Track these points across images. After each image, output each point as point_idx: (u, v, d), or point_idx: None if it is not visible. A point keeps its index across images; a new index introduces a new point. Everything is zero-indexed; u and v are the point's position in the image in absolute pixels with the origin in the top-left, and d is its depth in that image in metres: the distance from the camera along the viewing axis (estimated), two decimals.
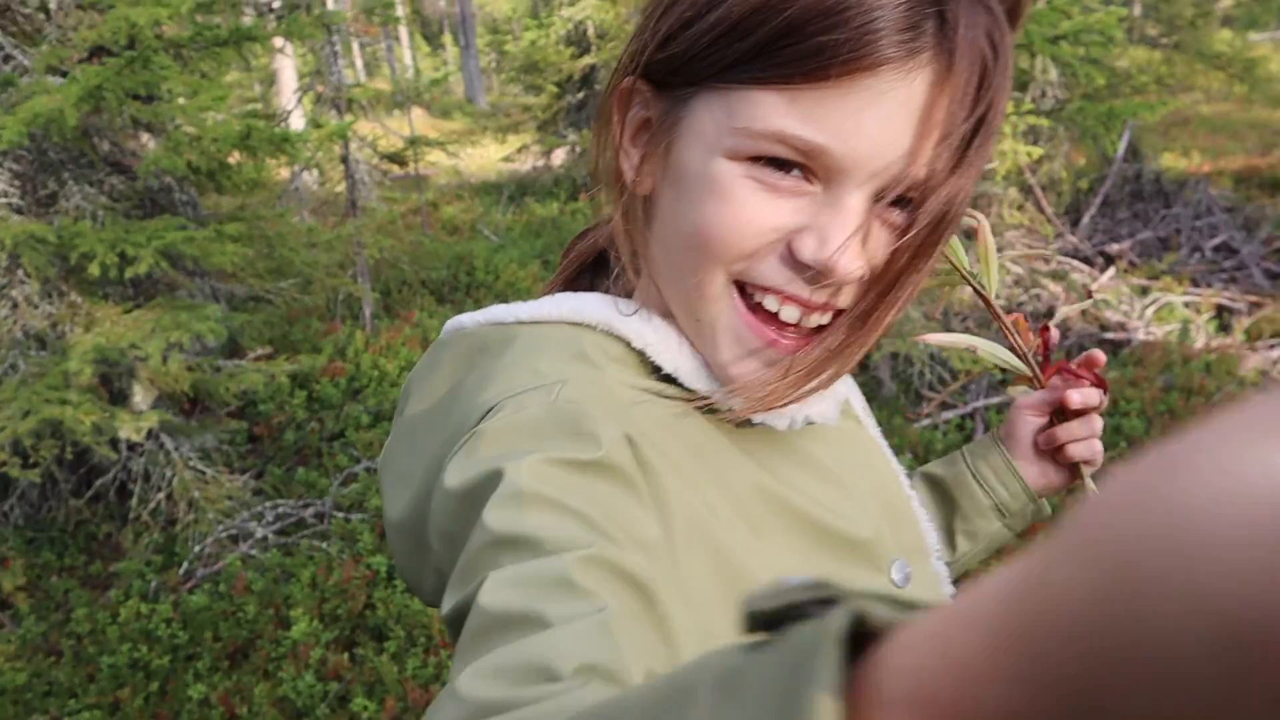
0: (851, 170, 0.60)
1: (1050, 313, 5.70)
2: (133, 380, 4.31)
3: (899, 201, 0.63)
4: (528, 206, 10.77)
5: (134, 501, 4.27)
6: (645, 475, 0.63)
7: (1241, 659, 0.16)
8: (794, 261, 0.63)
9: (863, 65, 0.56)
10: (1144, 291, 6.40)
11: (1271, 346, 5.50)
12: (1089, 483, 0.98)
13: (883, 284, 0.64)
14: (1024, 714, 0.20)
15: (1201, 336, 5.69)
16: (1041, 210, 6.70)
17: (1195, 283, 6.68)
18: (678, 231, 0.66)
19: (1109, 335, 5.70)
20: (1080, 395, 0.93)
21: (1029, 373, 0.96)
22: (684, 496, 0.65)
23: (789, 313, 0.65)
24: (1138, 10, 9.91)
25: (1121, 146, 7.42)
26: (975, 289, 0.95)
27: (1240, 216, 7.69)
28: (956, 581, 1.07)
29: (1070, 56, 4.84)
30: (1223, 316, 6.11)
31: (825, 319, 0.67)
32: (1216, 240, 7.25)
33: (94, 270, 3.77)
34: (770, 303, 0.66)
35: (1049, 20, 4.52)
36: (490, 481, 0.58)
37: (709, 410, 0.72)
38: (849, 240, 0.61)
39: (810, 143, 0.59)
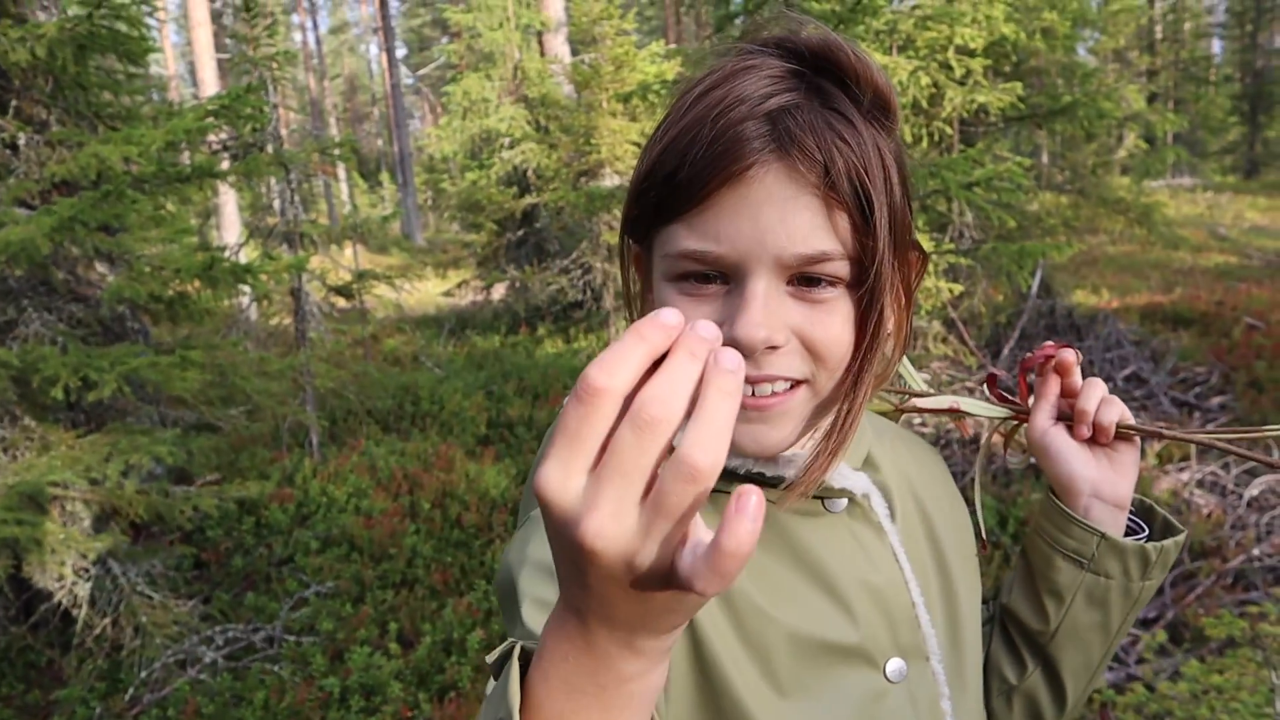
0: (744, 262, 0.73)
1: (976, 439, 5.99)
2: (84, 505, 4.31)
3: (809, 280, 0.77)
4: (469, 339, 10.97)
5: (79, 626, 4.21)
6: None
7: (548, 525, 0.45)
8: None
9: (719, 184, 0.72)
10: None
11: (1180, 469, 5.83)
12: (1147, 429, 0.94)
13: (840, 344, 0.78)
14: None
15: None
16: (964, 342, 7.08)
17: None
18: None
19: (1033, 461, 5.96)
20: (1069, 356, 0.95)
21: (1011, 411, 1.01)
22: (702, 633, 0.79)
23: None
24: (1045, 159, 10.69)
25: (1035, 283, 7.91)
26: (910, 397, 1.07)
27: (1147, 349, 8.19)
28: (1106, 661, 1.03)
29: (983, 201, 5.25)
30: None
31: (782, 387, 0.77)
32: (1127, 371, 7.70)
33: (56, 394, 3.84)
34: None
35: (962, 168, 4.93)
36: (512, 585, 0.79)
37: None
38: (750, 313, 0.73)
39: (704, 250, 0.73)
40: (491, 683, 0.58)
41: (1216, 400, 7.14)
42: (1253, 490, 5.49)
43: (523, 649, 0.54)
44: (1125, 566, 0.96)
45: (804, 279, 0.75)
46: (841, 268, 0.74)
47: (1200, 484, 5.72)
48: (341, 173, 31.97)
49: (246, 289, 5.17)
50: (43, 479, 3.78)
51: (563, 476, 0.43)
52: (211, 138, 6.53)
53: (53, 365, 3.86)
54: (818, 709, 0.82)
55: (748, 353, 0.73)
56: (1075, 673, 1.03)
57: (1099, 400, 0.95)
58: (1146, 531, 1.02)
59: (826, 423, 0.81)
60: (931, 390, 1.05)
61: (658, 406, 0.41)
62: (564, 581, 0.48)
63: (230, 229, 13.55)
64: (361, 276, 7.74)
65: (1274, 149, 26.76)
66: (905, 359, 1.02)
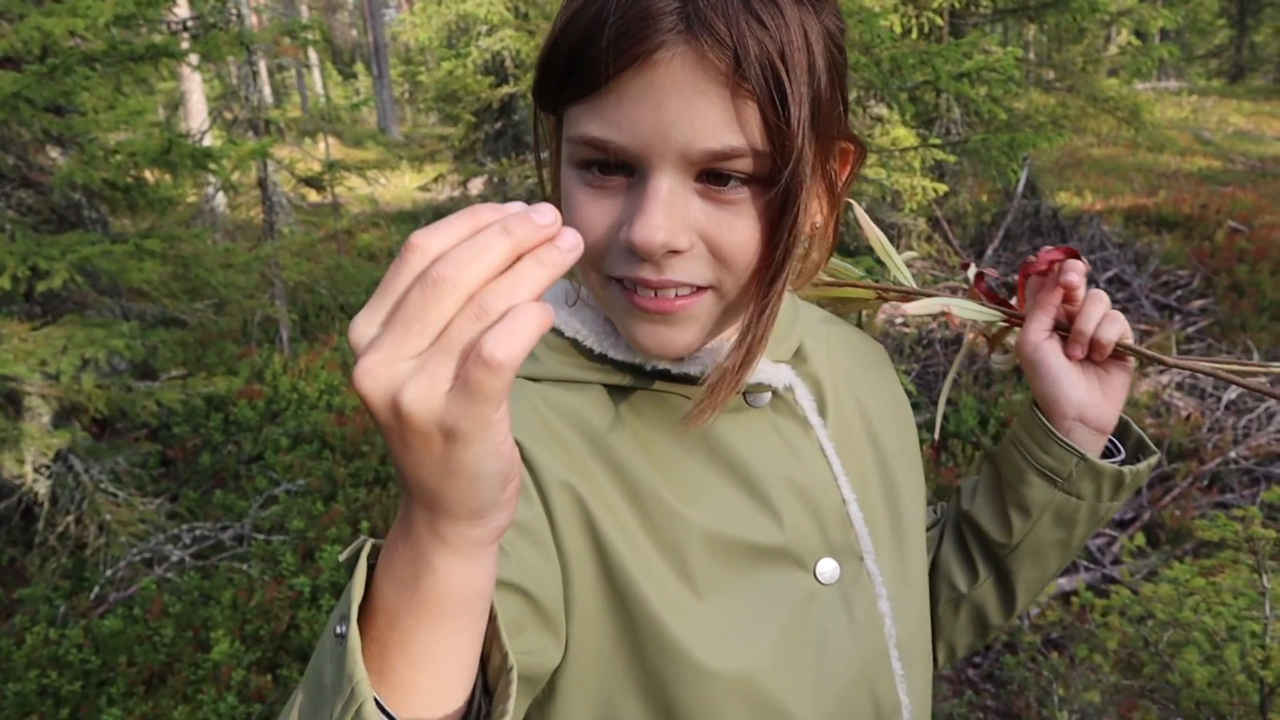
0: (646, 155, 0.67)
1: (959, 339, 5.92)
2: (41, 399, 4.18)
3: (718, 176, 0.69)
4: None
5: (40, 525, 4.12)
6: (561, 532, 0.75)
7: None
8: (625, 249, 0.71)
9: (621, 67, 0.65)
10: None
11: (1161, 372, 5.80)
12: (1147, 353, 0.90)
13: (746, 246, 0.71)
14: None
15: None
16: (949, 242, 6.97)
17: None
18: None
19: (1018, 364, 5.92)
20: (1074, 273, 0.89)
21: (1004, 315, 0.95)
22: (606, 538, 0.75)
23: (642, 293, 0.72)
24: (1032, 55, 10.40)
25: (1021, 183, 7.77)
26: (892, 291, 0.98)
27: (1130, 251, 8.11)
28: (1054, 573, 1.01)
29: (974, 94, 5.07)
30: None
31: (686, 291, 0.73)
32: (1109, 273, 7.63)
33: (4, 283, 3.66)
34: (627, 285, 0.73)
35: (953, 57, 4.74)
36: None
37: (646, 390, 0.82)
38: (649, 216, 0.67)
39: (605, 139, 0.67)
40: None
41: (1198, 304, 7.10)
42: (1230, 394, 5.48)
43: (374, 546, 0.55)
44: (1099, 488, 0.93)
45: (712, 175, 0.69)
46: (751, 164, 0.68)
47: (1179, 386, 5.70)
48: (315, 64, 31.03)
49: (210, 177, 4.95)
50: None
51: (365, 323, 0.44)
52: (171, 16, 6.21)
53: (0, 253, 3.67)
54: (739, 611, 0.78)
55: (645, 256, 0.69)
56: (1029, 585, 1.01)
57: (1100, 319, 0.91)
58: (1121, 453, 0.98)
59: (739, 324, 0.75)
60: (920, 290, 0.97)
61: (447, 266, 0.42)
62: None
63: (197, 119, 13.09)
64: (332, 167, 7.49)
65: (1260, 53, 26.31)
66: (898, 258, 0.97)
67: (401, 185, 14.36)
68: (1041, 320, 0.93)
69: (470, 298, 0.43)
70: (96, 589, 3.86)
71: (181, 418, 5.12)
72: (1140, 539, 2.75)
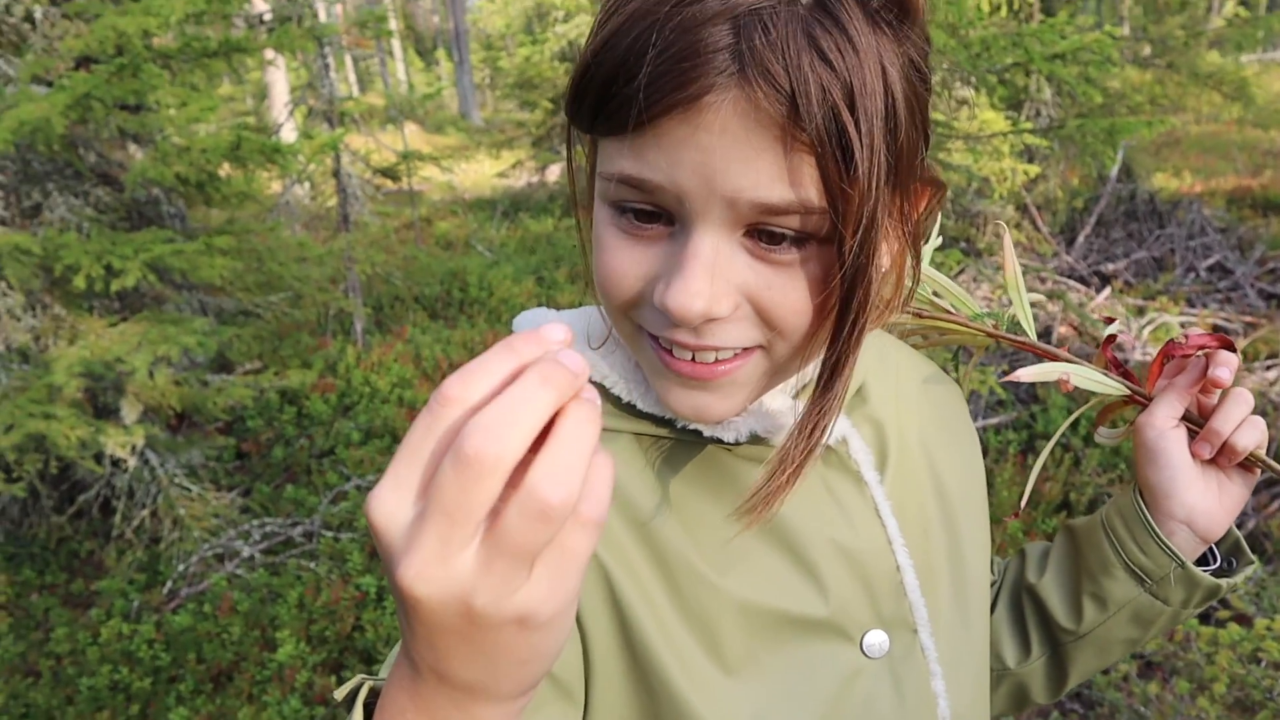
0: (688, 204, 0.59)
1: (1049, 332, 5.67)
2: (119, 395, 4.22)
3: (769, 234, 0.60)
4: (522, 222, 10.72)
5: (117, 518, 4.18)
6: (581, 600, 0.65)
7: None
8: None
9: (663, 111, 0.56)
10: (1140, 311, 6.37)
11: (1269, 367, 5.47)
12: (1272, 464, 0.82)
13: (807, 309, 0.62)
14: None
15: None
16: (1038, 229, 6.69)
17: (1190, 303, 6.65)
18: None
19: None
20: (1226, 368, 0.80)
21: (1128, 391, 0.86)
22: (629, 609, 0.69)
23: (679, 353, 0.64)
24: (1125, 30, 9.93)
25: (1116, 166, 7.42)
26: (1006, 338, 0.87)
27: (1234, 237, 7.69)
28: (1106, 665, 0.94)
29: (1068, 75, 4.81)
30: None
31: (728, 354, 0.64)
32: (1211, 260, 7.24)
33: (79, 283, 3.69)
34: (662, 344, 0.65)
35: (1048, 38, 4.50)
36: None
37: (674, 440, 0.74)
38: (687, 281, 0.59)
39: (642, 178, 0.59)
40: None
41: None
42: None
43: (372, 688, 0.53)
44: (1188, 597, 0.86)
45: (763, 232, 0.60)
46: (808, 221, 0.59)
47: None
48: (398, 53, 31.40)
49: (279, 170, 4.95)
50: (71, 369, 3.67)
51: (394, 500, 0.39)
52: (252, 8, 6.26)
53: (74, 252, 3.70)
54: (774, 688, 0.71)
55: (681, 324, 0.61)
56: (1084, 673, 0.94)
57: (1239, 423, 0.82)
58: (1216, 558, 0.90)
59: (786, 382, 0.69)
60: (1038, 346, 0.87)
61: (481, 437, 0.37)
62: (401, 626, 0.44)
63: (281, 110, 13.31)
64: (406, 157, 7.49)
65: None
66: (1026, 297, 0.87)
67: (480, 171, 14.41)
68: (1173, 406, 0.83)
69: (510, 473, 0.37)
70: (169, 584, 3.89)
71: (255, 411, 5.15)
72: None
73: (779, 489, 0.63)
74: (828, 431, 0.63)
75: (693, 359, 0.64)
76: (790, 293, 0.61)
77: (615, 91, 0.58)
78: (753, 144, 0.56)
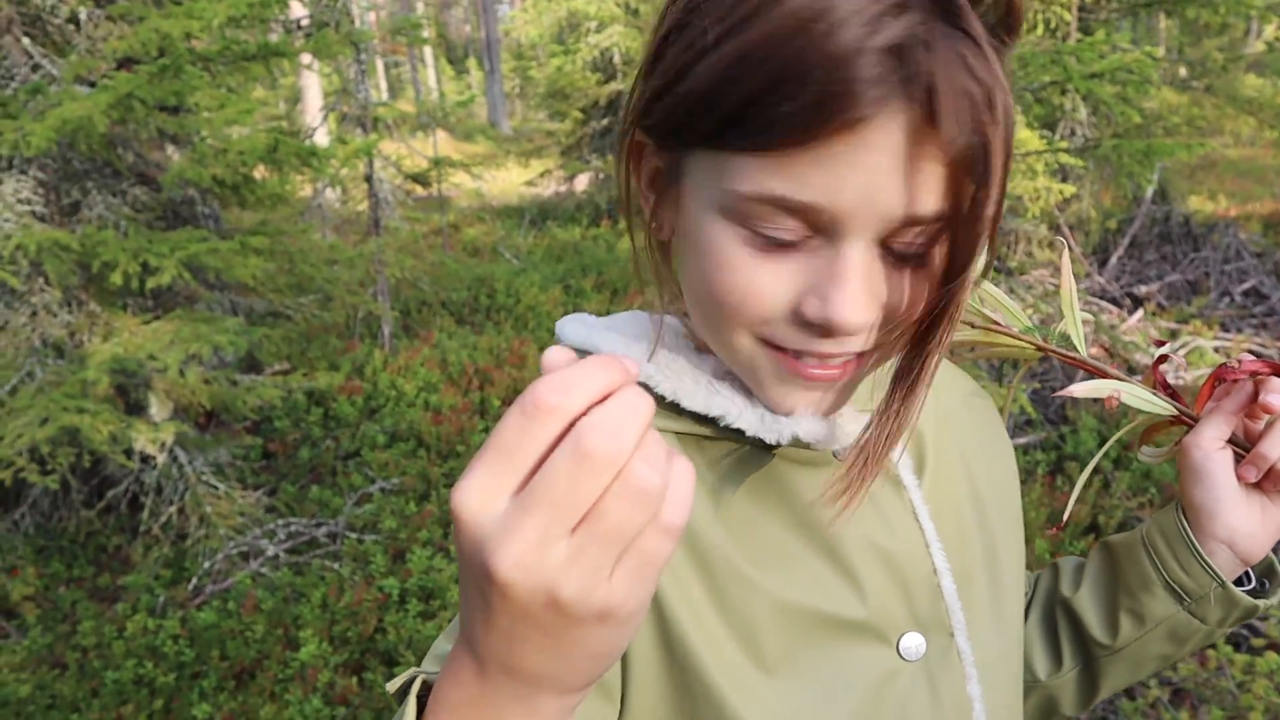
0: (846, 223, 0.59)
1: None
2: (149, 392, 4.26)
3: (907, 242, 0.61)
4: (550, 230, 10.76)
5: (145, 514, 4.21)
6: None
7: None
8: (804, 321, 0.63)
9: (829, 132, 0.56)
10: (1173, 335, 6.30)
11: None
12: None
13: (915, 316, 0.64)
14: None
15: None
16: (1071, 249, 6.63)
17: (1225, 327, 6.58)
18: (694, 289, 0.68)
19: (1137, 378, 5.60)
20: (1277, 394, 0.81)
21: (1176, 411, 0.86)
22: (669, 607, 0.69)
23: (806, 360, 0.65)
24: (1162, 51, 9.86)
25: (1151, 189, 7.35)
26: (1057, 352, 0.87)
27: (1270, 261, 7.60)
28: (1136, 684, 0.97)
29: (1106, 95, 4.78)
30: None
31: (849, 356, 0.67)
32: (1246, 285, 7.16)
33: (116, 279, 3.74)
34: (792, 352, 0.66)
35: (1087, 56, 4.47)
36: None
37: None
38: (851, 294, 0.60)
39: (799, 201, 0.59)
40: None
41: None
42: None
43: (425, 681, 0.52)
44: (1225, 616, 0.87)
45: (899, 240, 0.61)
46: (934, 230, 0.61)
47: None
48: (430, 60, 31.63)
49: (313, 173, 5.00)
50: (103, 365, 3.71)
51: (487, 495, 0.40)
52: (290, 13, 6.32)
53: (112, 250, 3.74)
54: (810, 688, 0.72)
55: (838, 334, 0.62)
56: (1114, 687, 0.95)
57: None
58: (1250, 579, 0.91)
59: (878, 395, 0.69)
60: (1087, 361, 0.87)
61: (602, 437, 0.39)
62: (468, 619, 0.45)
63: (314, 113, 13.43)
64: (437, 164, 7.53)
65: None
66: (1079, 314, 0.87)
67: (508, 179, 14.47)
68: (1220, 428, 0.84)
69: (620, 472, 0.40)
70: (195, 580, 3.92)
71: (282, 411, 5.18)
72: None
73: (852, 490, 0.65)
74: (903, 433, 0.66)
75: (819, 362, 0.65)
76: (910, 294, 0.63)
77: (767, 108, 0.56)
78: (913, 161, 0.57)
